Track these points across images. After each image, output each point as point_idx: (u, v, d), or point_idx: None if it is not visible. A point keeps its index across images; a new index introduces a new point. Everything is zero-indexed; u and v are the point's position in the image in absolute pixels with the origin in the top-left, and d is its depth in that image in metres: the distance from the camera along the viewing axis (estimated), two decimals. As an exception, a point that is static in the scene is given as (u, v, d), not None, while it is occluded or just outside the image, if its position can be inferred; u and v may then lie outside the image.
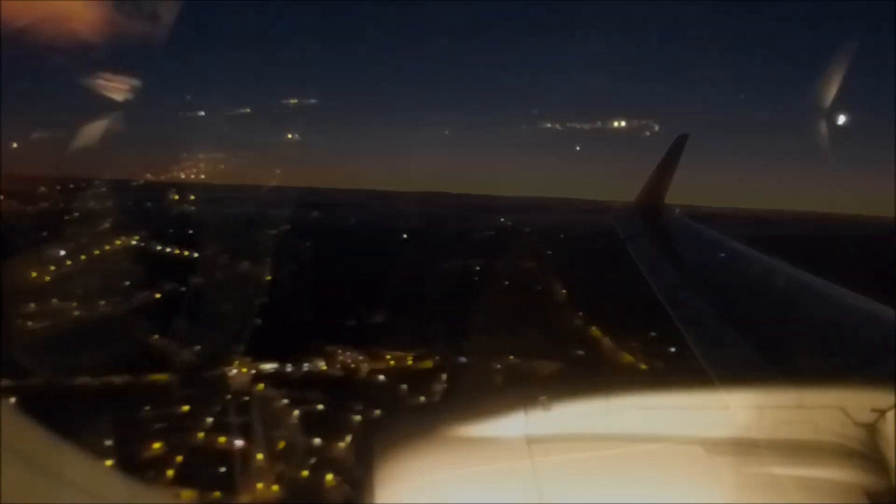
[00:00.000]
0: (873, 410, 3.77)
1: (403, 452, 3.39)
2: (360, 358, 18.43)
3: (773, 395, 4.00)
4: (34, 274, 23.72)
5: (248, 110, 40.81)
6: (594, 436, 3.70)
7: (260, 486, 14.58)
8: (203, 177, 34.43)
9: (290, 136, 40.81)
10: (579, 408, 3.70)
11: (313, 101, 45.46)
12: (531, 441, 3.53)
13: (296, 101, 43.49)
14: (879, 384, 3.94)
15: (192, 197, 30.60)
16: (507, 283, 24.55)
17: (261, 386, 17.83)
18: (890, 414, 3.89)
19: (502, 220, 46.72)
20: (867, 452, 3.96)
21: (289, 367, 18.23)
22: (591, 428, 3.71)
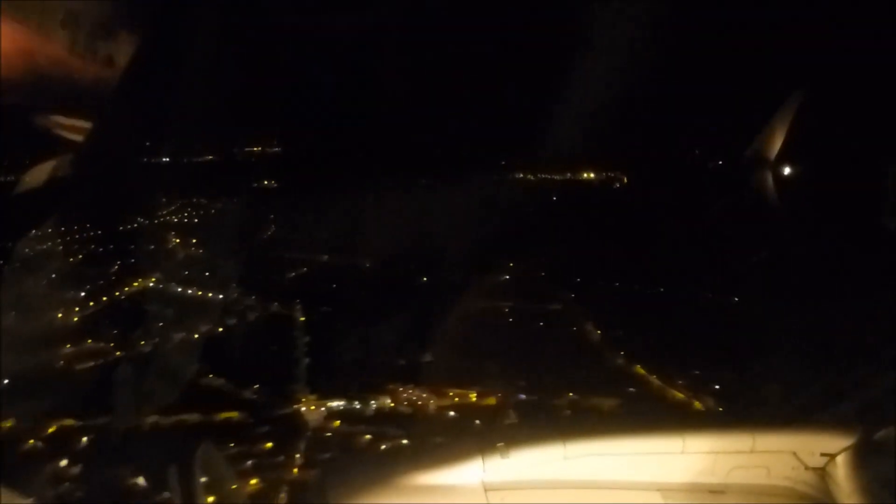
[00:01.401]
0: (823, 455, 3.97)
1: (360, 501, 3.91)
2: (424, 395, 19.18)
3: (727, 440, 4.51)
4: (60, 315, 23.38)
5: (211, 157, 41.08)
6: (551, 482, 4.33)
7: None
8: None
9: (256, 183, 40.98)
10: (536, 454, 4.33)
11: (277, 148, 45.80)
12: (488, 488, 4.19)
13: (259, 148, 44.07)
14: (829, 428, 4.12)
15: (194, 240, 30.63)
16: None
17: (337, 423, 18.27)
18: (839, 458, 4.33)
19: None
20: (818, 497, 4.41)
21: (357, 405, 18.77)
22: (548, 474, 4.34)
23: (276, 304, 23.86)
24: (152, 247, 29.42)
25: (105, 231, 31.34)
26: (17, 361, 18.91)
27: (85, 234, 30.84)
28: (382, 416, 17.92)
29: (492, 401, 18.49)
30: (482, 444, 4.06)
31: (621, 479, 4.32)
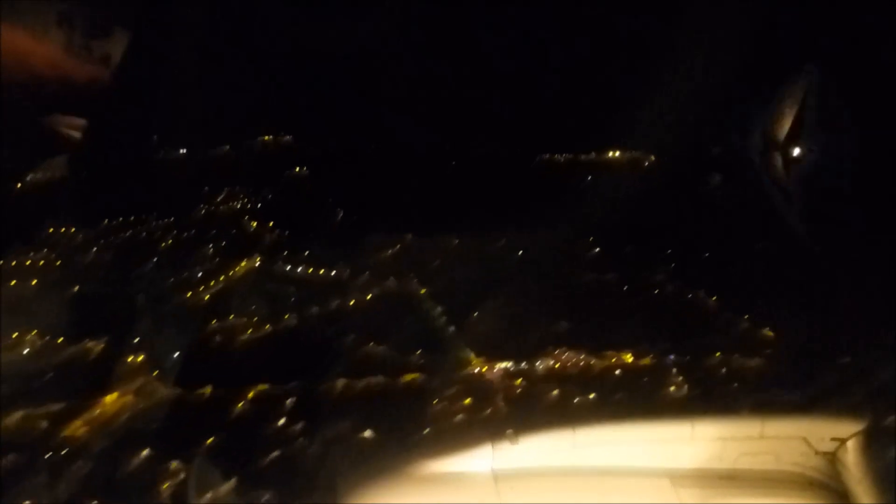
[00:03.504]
0: (833, 439, 4.61)
1: (368, 491, 4.27)
2: (582, 356, 20.18)
3: (736, 426, 4.73)
4: (189, 294, 23.60)
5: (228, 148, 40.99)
6: (561, 470, 4.62)
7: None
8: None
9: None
10: (546, 442, 4.62)
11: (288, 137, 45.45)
12: (498, 476, 4.50)
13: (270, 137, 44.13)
14: (840, 413, 4.63)
15: (271, 223, 30.82)
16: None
17: (518, 381, 19.10)
18: (850, 442, 4.78)
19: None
20: (828, 482, 4.81)
21: (524, 365, 19.67)
22: (557, 462, 4.62)
23: (391, 278, 24.34)
24: (234, 231, 29.49)
25: (173, 219, 31.22)
26: (187, 335, 19.27)
27: (151, 224, 30.67)
28: (552, 375, 18.74)
29: (647, 361, 19.49)
30: (492, 432, 4.21)
31: (630, 466, 4.45)
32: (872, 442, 4.42)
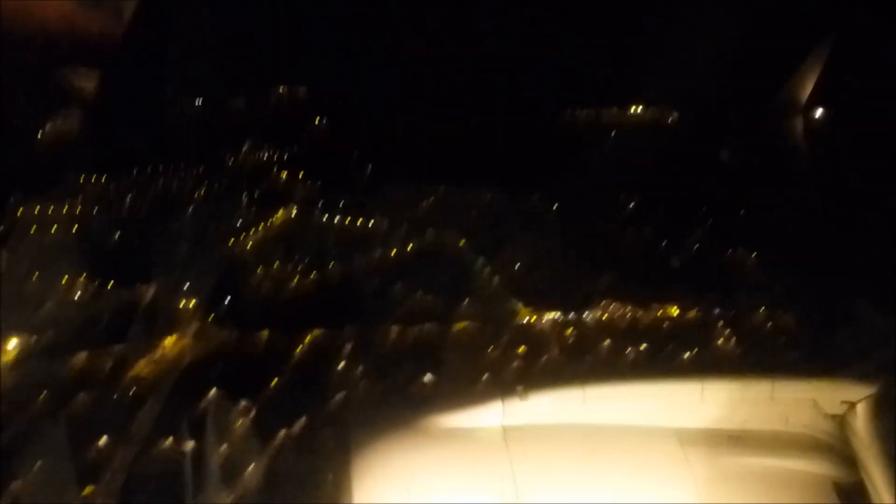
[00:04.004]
0: (843, 402, 4.24)
1: (381, 445, 4.02)
2: (629, 308, 20.33)
3: (746, 388, 4.52)
4: (232, 242, 23.64)
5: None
6: (570, 426, 4.35)
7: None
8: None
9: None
10: (555, 397, 4.40)
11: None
12: (507, 431, 4.24)
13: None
14: (851, 377, 4.34)
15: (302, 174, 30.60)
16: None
17: (570, 330, 19.29)
18: (860, 406, 4.38)
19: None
20: (836, 444, 4.44)
21: (573, 316, 19.83)
22: (566, 418, 4.36)
23: (430, 230, 24.37)
24: (265, 182, 29.41)
25: (202, 169, 31.07)
26: (235, 282, 19.34)
27: (181, 174, 30.50)
28: (602, 326, 18.91)
29: (692, 314, 19.64)
30: (502, 388, 4.18)
31: (639, 424, 4.44)
32: (881, 406, 4.31)
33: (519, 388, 4.05)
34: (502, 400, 4.02)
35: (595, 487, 3.89)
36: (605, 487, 3.91)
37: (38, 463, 11.71)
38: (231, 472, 12.60)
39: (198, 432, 13.33)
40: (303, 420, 13.89)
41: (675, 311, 19.81)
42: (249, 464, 12.70)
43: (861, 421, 4.31)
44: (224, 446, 13.22)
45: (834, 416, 4.39)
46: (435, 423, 4.00)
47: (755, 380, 4.47)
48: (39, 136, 34.95)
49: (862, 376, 4.44)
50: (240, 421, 14.01)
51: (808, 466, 4.22)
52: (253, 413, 14.20)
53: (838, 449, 4.41)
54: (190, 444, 12.74)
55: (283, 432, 13.50)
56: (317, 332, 17.46)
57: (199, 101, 43.31)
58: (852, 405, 4.38)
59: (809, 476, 4.17)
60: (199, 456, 12.49)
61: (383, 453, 3.74)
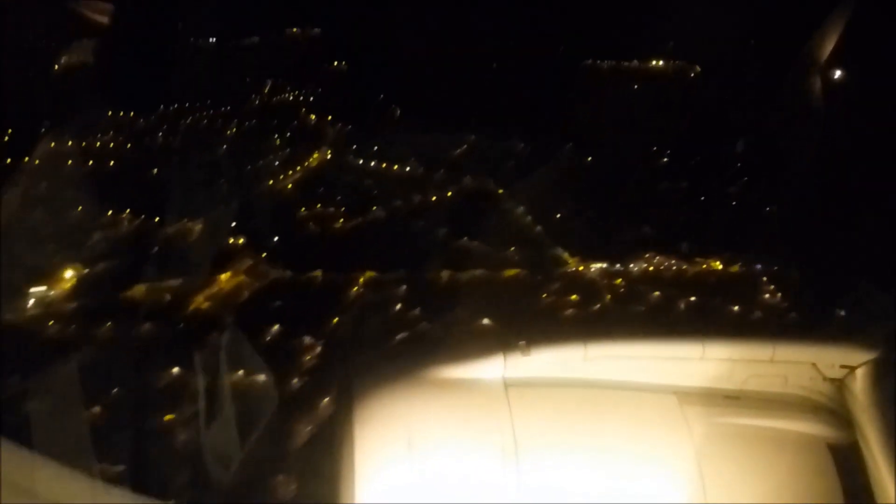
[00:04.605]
0: (843, 367, 4.16)
1: (382, 394, 3.97)
2: (674, 261, 20.45)
3: (747, 349, 4.51)
4: (270, 182, 23.48)
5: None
6: (570, 381, 4.39)
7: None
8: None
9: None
10: (557, 354, 4.37)
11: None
12: (509, 384, 4.21)
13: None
14: (851, 341, 4.28)
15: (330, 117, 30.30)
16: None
17: (619, 280, 19.42)
18: (860, 371, 4.36)
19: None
20: (833, 407, 4.45)
21: (619, 266, 19.95)
22: (568, 374, 4.39)
23: (468, 177, 24.29)
24: (295, 122, 29.12)
25: (230, 108, 30.69)
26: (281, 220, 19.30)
27: (209, 112, 30.13)
28: (648, 278, 19.05)
29: (735, 269, 19.79)
30: (504, 342, 4.17)
31: (638, 381, 4.50)
32: (881, 371, 4.23)
33: (521, 343, 4.10)
34: (504, 354, 4.08)
35: (593, 442, 4.00)
36: (603, 442, 4.02)
37: (115, 390, 11.77)
38: (303, 404, 12.74)
39: (265, 365, 13.40)
40: (369, 356, 13.95)
41: (718, 265, 19.94)
42: (322, 397, 12.82)
43: (860, 385, 4.30)
44: (295, 380, 13.34)
45: (833, 380, 4.37)
46: (436, 374, 4.07)
47: (756, 341, 4.49)
48: (56, 68, 34.34)
49: (863, 342, 4.39)
50: (308, 356, 14.12)
51: (804, 427, 4.30)
52: (319, 349, 14.27)
53: (835, 411, 4.42)
54: (261, 377, 12.80)
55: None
56: (369, 273, 17.47)
57: (212, 40, 42.53)
58: (852, 369, 4.33)
59: (805, 437, 4.27)
60: (268, 388, 12.59)
61: (385, 401, 3.82)
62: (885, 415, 4.13)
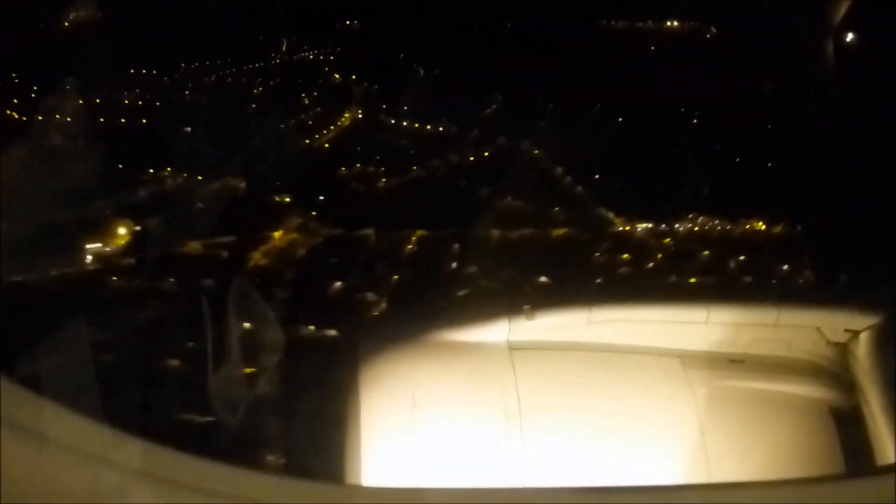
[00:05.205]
0: (847, 331, 4.31)
1: (388, 356, 4.16)
2: (717, 221, 20.47)
3: (751, 313, 4.62)
4: (307, 140, 23.24)
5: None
6: (574, 344, 4.51)
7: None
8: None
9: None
10: (561, 318, 4.51)
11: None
12: (513, 347, 4.34)
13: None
14: (856, 307, 4.43)
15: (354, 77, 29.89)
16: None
17: (667, 240, 19.44)
18: (864, 335, 4.48)
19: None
20: (835, 370, 4.60)
21: (664, 227, 19.96)
22: (572, 338, 4.52)
23: (502, 137, 24.15)
24: (320, 81, 28.73)
25: (252, 66, 30.22)
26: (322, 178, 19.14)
27: (232, 70, 29.66)
28: (695, 237, 19.07)
29: (778, 229, 19.84)
30: (509, 306, 4.23)
31: (642, 345, 4.57)
32: (885, 336, 4.41)
33: (526, 307, 4.12)
34: (509, 318, 4.09)
35: (597, 404, 4.09)
36: (606, 405, 4.11)
37: (189, 344, 11.71)
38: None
39: (333, 318, 13.38)
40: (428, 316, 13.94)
41: (761, 225, 19.97)
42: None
43: (863, 349, 4.36)
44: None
45: (836, 344, 4.46)
46: (441, 337, 4.09)
47: (761, 306, 4.51)
48: (66, 24, 33.63)
49: (867, 307, 4.52)
50: (375, 311, 14.10)
51: (807, 391, 4.44)
52: (384, 305, 14.25)
53: (838, 375, 4.54)
54: (331, 332, 12.78)
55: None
56: (420, 232, 17.41)
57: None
58: (856, 333, 4.42)
59: (807, 399, 4.41)
60: (339, 343, 12.57)
61: (390, 363, 3.86)
62: (887, 378, 4.24)
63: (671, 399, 4.22)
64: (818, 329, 4.48)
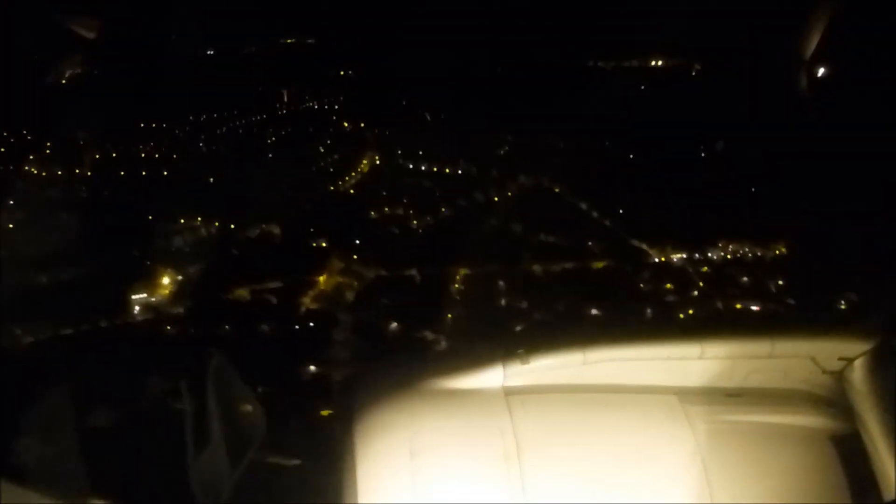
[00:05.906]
0: (841, 359, 4.15)
1: (383, 405, 3.94)
2: (747, 248, 20.70)
3: (746, 346, 4.52)
4: (331, 187, 23.26)
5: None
6: (571, 387, 4.34)
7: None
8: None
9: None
10: (556, 360, 4.28)
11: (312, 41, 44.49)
12: (509, 393, 4.14)
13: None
14: (848, 333, 4.30)
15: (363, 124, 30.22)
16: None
17: (705, 268, 19.58)
18: (858, 362, 4.34)
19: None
20: (834, 399, 4.44)
21: (697, 256, 20.15)
22: (567, 380, 4.34)
23: (522, 176, 24.39)
24: (331, 129, 28.94)
25: (261, 117, 30.39)
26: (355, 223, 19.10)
27: (241, 120, 29.79)
28: (730, 263, 19.23)
29: (781, 247, 20.05)
30: (503, 351, 4.17)
31: (638, 383, 4.51)
32: (879, 362, 4.27)
33: (520, 351, 4.12)
34: (503, 363, 4.09)
35: (596, 446, 4.04)
36: (605, 445, 4.05)
37: (260, 388, 11.43)
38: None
39: (390, 356, 13.18)
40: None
41: (784, 249, 20.19)
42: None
43: (858, 376, 4.35)
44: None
45: (832, 373, 4.44)
46: (436, 384, 4.06)
47: (755, 338, 4.54)
48: (64, 81, 33.75)
49: (860, 333, 4.42)
50: (435, 350, 13.92)
51: (805, 421, 4.40)
52: (443, 343, 14.07)
53: (835, 403, 4.48)
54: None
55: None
56: (463, 270, 17.35)
57: (209, 52, 42.14)
58: (850, 361, 4.38)
59: (806, 430, 4.37)
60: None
61: (386, 412, 3.81)
62: (884, 404, 4.17)
63: (671, 436, 4.12)
64: (813, 358, 4.43)
